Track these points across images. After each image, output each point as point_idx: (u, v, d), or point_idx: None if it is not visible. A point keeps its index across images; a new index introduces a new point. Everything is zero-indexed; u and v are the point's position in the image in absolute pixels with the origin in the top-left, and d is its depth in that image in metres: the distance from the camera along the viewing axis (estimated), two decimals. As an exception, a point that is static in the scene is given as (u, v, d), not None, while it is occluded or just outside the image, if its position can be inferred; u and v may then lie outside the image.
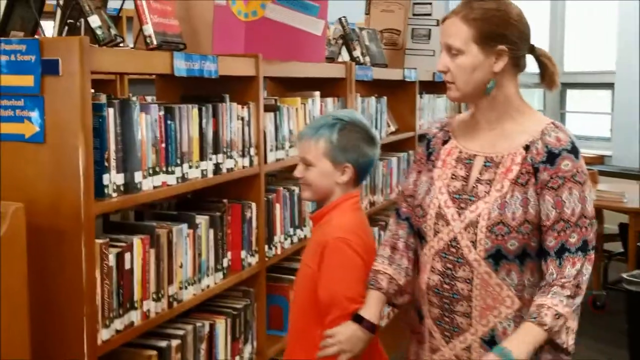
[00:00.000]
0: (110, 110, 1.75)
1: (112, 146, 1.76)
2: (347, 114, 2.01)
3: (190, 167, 2.08)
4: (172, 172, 2.00)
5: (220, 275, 2.29)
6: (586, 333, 4.27)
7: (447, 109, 5.14)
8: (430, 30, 4.23)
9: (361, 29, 3.76)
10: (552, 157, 1.66)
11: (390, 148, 4.03)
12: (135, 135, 1.82)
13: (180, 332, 2.11)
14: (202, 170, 2.15)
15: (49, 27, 1.87)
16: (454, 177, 1.74)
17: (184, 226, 2.07)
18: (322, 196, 1.99)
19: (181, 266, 2.07)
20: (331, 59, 3.27)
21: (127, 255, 1.84)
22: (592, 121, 6.98)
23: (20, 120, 1.65)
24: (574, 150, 1.66)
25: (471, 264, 1.68)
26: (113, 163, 1.77)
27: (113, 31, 1.75)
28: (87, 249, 1.66)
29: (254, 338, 2.52)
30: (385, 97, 3.82)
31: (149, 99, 3.24)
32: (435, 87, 4.37)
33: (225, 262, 2.32)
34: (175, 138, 2.01)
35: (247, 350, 2.46)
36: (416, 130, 4.19)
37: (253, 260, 2.49)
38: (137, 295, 1.88)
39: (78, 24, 1.83)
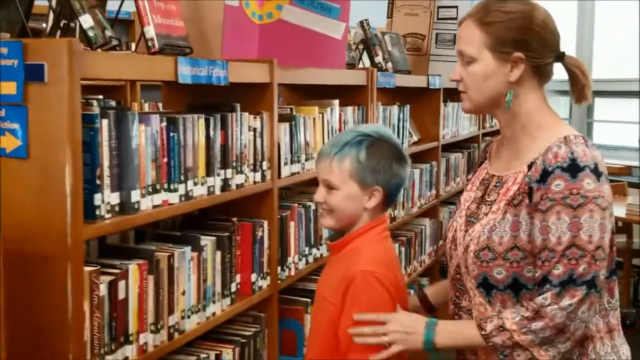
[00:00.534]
0: (104, 122, 1.55)
1: (106, 162, 1.57)
2: (374, 129, 1.80)
3: (195, 183, 1.88)
4: (175, 190, 1.81)
5: (227, 301, 2.09)
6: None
7: (472, 118, 4.92)
8: (455, 35, 4.02)
9: (383, 34, 3.56)
10: (545, 175, 1.46)
11: (412, 159, 3.80)
12: (133, 149, 1.63)
13: (183, 366, 1.91)
14: (209, 187, 1.95)
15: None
16: (474, 200, 1.63)
17: (187, 249, 1.87)
18: (346, 223, 1.78)
19: (184, 293, 1.87)
20: (351, 65, 3.06)
21: (122, 284, 1.64)
22: (621, 131, 6.71)
23: (0, 132, 1.46)
24: (571, 169, 1.44)
25: (469, 293, 1.56)
26: (107, 181, 1.57)
27: (109, 33, 1.55)
28: (74, 277, 1.47)
29: (264, 367, 2.32)
30: (408, 106, 3.61)
31: (161, 106, 3.06)
32: (460, 95, 4.15)
33: (233, 287, 2.12)
34: (178, 152, 1.81)
35: (257, 381, 2.26)
36: (440, 140, 3.98)
37: (264, 283, 2.29)
38: (132, 328, 1.68)
39: (72, 25, 1.65)
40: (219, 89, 2.00)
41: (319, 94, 2.82)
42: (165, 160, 1.77)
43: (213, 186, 1.97)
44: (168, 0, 1.79)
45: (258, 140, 2.19)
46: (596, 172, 1.44)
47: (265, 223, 2.26)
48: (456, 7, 4.01)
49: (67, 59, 1.40)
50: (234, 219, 2.14)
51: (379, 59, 3.31)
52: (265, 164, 2.23)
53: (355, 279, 1.65)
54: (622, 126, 6.73)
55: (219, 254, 2.03)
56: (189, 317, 1.89)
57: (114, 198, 1.60)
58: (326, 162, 1.75)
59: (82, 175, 1.49)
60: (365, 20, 3.30)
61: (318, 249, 2.61)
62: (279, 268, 2.37)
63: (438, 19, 4.01)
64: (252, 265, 2.21)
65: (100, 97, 3.97)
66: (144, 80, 1.74)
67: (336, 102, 2.76)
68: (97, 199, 1.54)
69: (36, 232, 1.47)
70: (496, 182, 1.59)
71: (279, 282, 2.36)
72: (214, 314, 2.02)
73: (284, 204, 2.45)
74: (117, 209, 1.61)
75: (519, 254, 1.47)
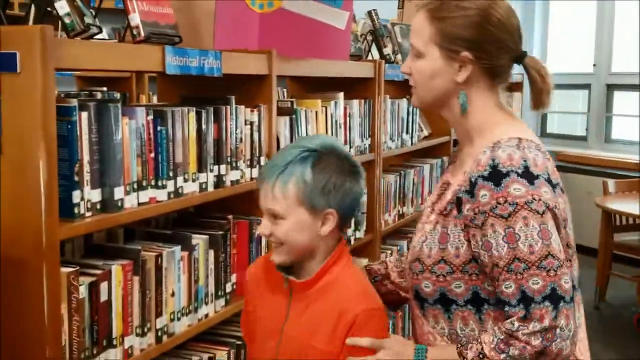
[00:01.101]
0: (83, 115, 1.47)
1: (86, 157, 1.48)
2: (320, 141, 1.50)
3: (185, 180, 1.80)
4: (164, 187, 1.72)
5: (221, 302, 2.01)
6: (631, 349, 3.95)
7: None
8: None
9: (394, 25, 3.45)
10: (471, 187, 1.34)
11: (422, 154, 3.73)
12: (115, 143, 1.54)
13: (172, 369, 1.83)
14: (201, 184, 1.86)
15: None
16: (430, 205, 1.52)
17: (177, 249, 1.78)
18: (300, 256, 1.50)
19: (173, 294, 1.78)
20: (358, 57, 2.95)
21: (104, 285, 1.56)
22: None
23: (-28, 125, 1.38)
24: (492, 177, 1.31)
25: (411, 305, 1.52)
26: (87, 177, 1.49)
27: (88, 20, 1.47)
28: (49, 279, 1.39)
29: (262, 370, 2.23)
30: (417, 99, 3.49)
31: (155, 98, 2.98)
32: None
33: (228, 287, 2.04)
34: (167, 146, 1.72)
35: (253, 385, 2.17)
36: (451, 134, 3.86)
37: (262, 283, 2.19)
38: (116, 331, 1.60)
39: (55, 12, 1.56)
40: (215, 81, 1.91)
41: (326, 86, 2.72)
42: (152, 155, 1.68)
43: (205, 182, 1.88)
44: (156, -13, 1.70)
45: (255, 135, 2.10)
46: (526, 175, 1.30)
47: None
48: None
49: (40, 47, 1.32)
50: (230, 217, 2.05)
51: (387, 50, 3.20)
52: (263, 160, 2.14)
53: (358, 319, 1.43)
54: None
55: (212, 253, 1.94)
56: (179, 319, 1.81)
57: (95, 195, 1.52)
58: (267, 189, 1.46)
59: (59, 171, 1.41)
60: (374, 10, 3.18)
61: (320, 248, 2.52)
62: (278, 267, 2.28)
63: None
64: (248, 264, 2.12)
65: (105, 89, 3.89)
66: (129, 70, 1.66)
67: (340, 94, 2.66)
68: (76, 196, 1.46)
69: (11, 232, 1.39)
70: (446, 191, 1.48)
71: (277, 282, 2.27)
72: (206, 315, 1.94)
73: (284, 201, 2.35)
74: (98, 206, 1.53)
75: (445, 268, 1.37)
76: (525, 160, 1.32)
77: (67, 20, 1.41)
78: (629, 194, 5.10)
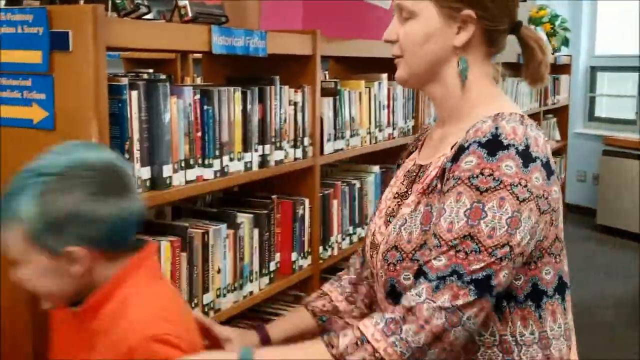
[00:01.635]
0: (133, 94, 1.49)
1: (136, 135, 1.51)
2: (67, 157, 1.16)
3: (231, 159, 1.82)
4: (210, 165, 1.74)
5: (266, 280, 2.03)
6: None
7: (533, 94, 4.71)
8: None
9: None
10: (459, 152, 1.17)
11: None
12: (164, 122, 1.57)
13: (218, 345, 1.87)
14: (246, 163, 1.88)
15: None
16: (396, 195, 1.33)
17: (223, 227, 1.81)
18: (73, 295, 1.21)
19: (219, 271, 1.81)
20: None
21: (153, 261, 1.59)
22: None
23: (27, 103, 1.42)
24: (490, 145, 1.13)
25: (380, 306, 1.29)
26: (137, 155, 1.52)
27: (137, 0, 1.49)
28: (101, 254, 1.42)
29: (305, 348, 2.26)
30: (462, 81, 3.45)
31: (200, 79, 3.01)
32: (520, 69, 3.96)
33: (272, 266, 2.06)
34: (213, 126, 1.74)
35: None
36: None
37: (305, 262, 2.22)
38: (164, 306, 1.63)
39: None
40: (259, 61, 1.92)
41: (368, 67, 2.71)
42: (199, 134, 1.70)
43: (250, 162, 1.90)
44: (203, -33, 1.72)
45: (299, 115, 2.11)
46: (524, 155, 1.14)
47: (307, 201, 2.19)
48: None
49: (92, 26, 1.34)
50: (274, 197, 2.07)
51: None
52: (306, 140, 2.15)
53: (136, 352, 1.12)
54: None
55: (256, 231, 1.96)
56: (224, 295, 1.84)
57: (145, 173, 1.55)
58: None
59: (110, 148, 1.44)
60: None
61: (363, 228, 2.52)
62: (321, 247, 2.29)
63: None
64: (292, 244, 2.14)
65: (151, 70, 3.94)
66: (177, 50, 1.68)
67: (384, 76, 2.65)
68: (126, 173, 1.49)
69: (63, 207, 1.43)
70: (420, 173, 1.30)
71: (320, 261, 2.29)
72: (251, 292, 1.97)
73: (327, 182, 2.37)
74: (147, 184, 1.56)
75: (428, 253, 1.16)
76: (527, 138, 1.16)
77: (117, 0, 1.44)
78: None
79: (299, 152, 2.11)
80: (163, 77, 3.78)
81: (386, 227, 1.29)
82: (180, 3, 1.62)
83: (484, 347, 1.21)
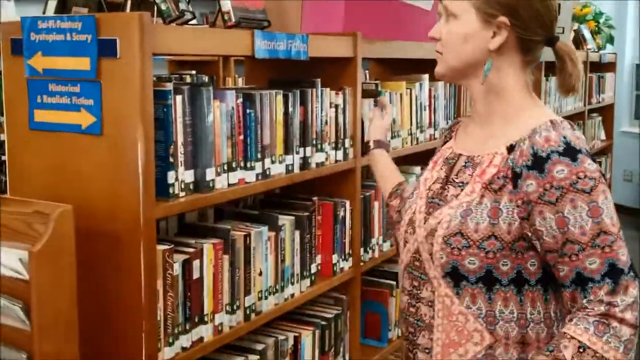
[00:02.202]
0: (178, 98, 1.52)
1: (180, 139, 1.54)
2: None
3: (272, 162, 1.83)
4: (252, 168, 1.76)
5: (307, 282, 2.04)
6: None
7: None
8: (559, 4, 3.77)
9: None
10: (539, 162, 1.29)
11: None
12: (207, 126, 1.59)
13: (260, 347, 1.88)
14: (287, 166, 1.90)
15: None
16: (437, 180, 1.46)
17: (264, 229, 1.82)
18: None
19: (260, 274, 1.83)
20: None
21: (196, 263, 1.62)
22: None
23: (76, 109, 1.46)
24: (568, 152, 1.28)
25: (432, 283, 1.39)
26: (181, 158, 1.54)
27: (182, 6, 1.51)
28: (146, 256, 1.45)
29: (346, 350, 2.26)
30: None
31: (242, 81, 3.04)
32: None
33: (313, 268, 2.07)
34: (255, 129, 1.76)
35: (338, 364, 2.21)
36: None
37: (346, 265, 2.22)
38: (207, 308, 1.66)
39: (150, -1, 1.62)
40: (301, 64, 1.93)
41: (409, 69, 2.70)
42: (242, 137, 1.72)
43: (292, 164, 1.91)
44: (246, -28, 1.73)
45: (340, 117, 2.11)
46: (589, 155, 1.30)
47: (347, 203, 2.19)
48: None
49: (138, 33, 1.37)
50: (315, 199, 2.08)
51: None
52: (347, 142, 2.15)
53: None
54: None
55: (297, 233, 1.98)
56: (266, 298, 1.86)
57: (188, 176, 1.58)
58: None
59: (155, 152, 1.47)
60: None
61: (404, 231, 2.51)
62: (362, 249, 2.29)
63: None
64: (333, 246, 2.15)
65: (194, 72, 4.00)
66: (223, 55, 1.70)
67: (425, 77, 2.64)
68: (171, 176, 1.52)
69: (109, 210, 1.46)
70: (465, 162, 1.42)
71: (361, 264, 2.29)
72: (292, 295, 1.98)
73: (368, 184, 2.36)
74: (191, 187, 1.59)
75: (496, 244, 1.31)
76: (583, 141, 1.33)
77: (163, 6, 1.46)
78: None
79: (340, 154, 2.12)
80: (206, 79, 3.84)
81: (428, 208, 1.42)
82: (224, 8, 1.64)
83: (532, 323, 1.34)
